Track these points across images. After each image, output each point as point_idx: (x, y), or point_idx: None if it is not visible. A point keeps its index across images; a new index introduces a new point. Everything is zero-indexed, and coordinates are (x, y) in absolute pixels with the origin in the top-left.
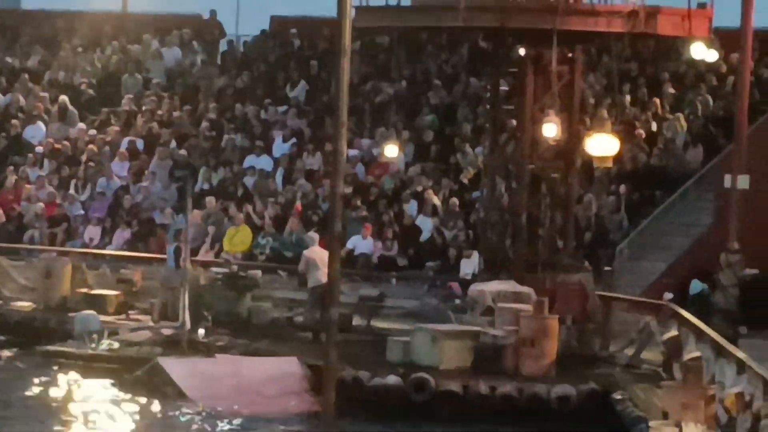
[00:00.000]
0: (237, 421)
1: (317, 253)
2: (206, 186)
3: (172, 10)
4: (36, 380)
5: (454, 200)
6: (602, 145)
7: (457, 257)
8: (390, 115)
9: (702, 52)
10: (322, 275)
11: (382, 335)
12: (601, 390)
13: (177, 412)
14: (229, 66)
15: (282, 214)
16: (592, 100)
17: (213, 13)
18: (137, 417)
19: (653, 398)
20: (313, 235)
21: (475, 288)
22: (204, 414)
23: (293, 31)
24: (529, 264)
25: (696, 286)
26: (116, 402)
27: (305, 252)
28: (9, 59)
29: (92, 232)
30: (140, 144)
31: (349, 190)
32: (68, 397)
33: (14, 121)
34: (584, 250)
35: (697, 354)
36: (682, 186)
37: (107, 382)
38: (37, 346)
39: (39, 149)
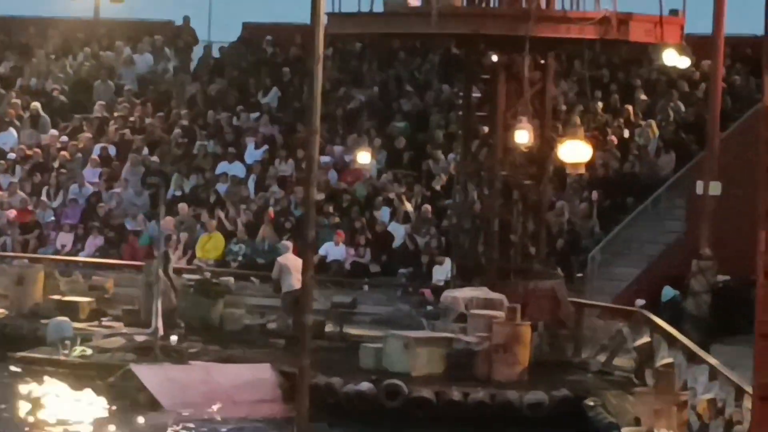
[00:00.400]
0: (209, 428)
1: (290, 260)
2: (178, 193)
3: (144, 17)
4: (8, 387)
5: (427, 207)
6: (575, 151)
7: (430, 264)
8: (362, 122)
9: (674, 58)
10: (295, 281)
11: (354, 342)
12: (574, 396)
13: (149, 419)
14: (201, 72)
15: (254, 221)
16: (564, 107)
17: (186, 19)
18: (109, 423)
19: (625, 404)
20: (287, 243)
21: (447, 294)
22: (176, 421)
23: (267, 38)
24: (502, 270)
25: (668, 292)
26: (89, 408)
27: (278, 258)
28: None
29: (64, 238)
30: (112, 150)
31: (321, 196)
32: (40, 404)
33: None
34: (556, 257)
35: (669, 360)
36: (654, 192)
37: (80, 388)
38: (9, 352)
39: (11, 156)
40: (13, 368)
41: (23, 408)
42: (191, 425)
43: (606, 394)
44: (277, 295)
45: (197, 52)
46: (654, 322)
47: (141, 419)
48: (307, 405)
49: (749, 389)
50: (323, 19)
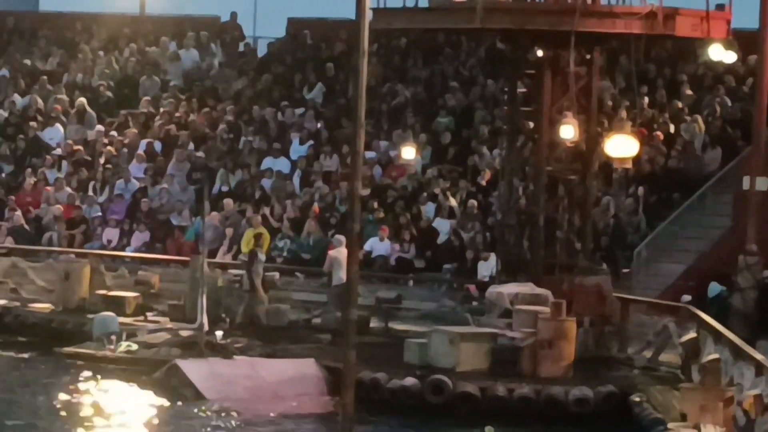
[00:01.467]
0: (254, 423)
1: (342, 254)
2: (224, 188)
3: (190, 13)
4: (54, 382)
5: (472, 202)
6: (622, 146)
7: (475, 259)
8: (407, 118)
9: (720, 53)
10: (345, 275)
11: (399, 337)
12: (619, 392)
13: (195, 414)
14: (246, 68)
15: (299, 216)
16: (609, 102)
17: (233, 15)
18: (155, 418)
19: (671, 400)
20: (340, 237)
21: (492, 290)
22: (221, 416)
23: (311, 33)
24: (547, 266)
25: (714, 288)
26: (134, 403)
27: (331, 252)
28: (27, 61)
29: (110, 233)
30: (158, 146)
31: (366, 192)
32: (87, 399)
33: (33, 123)
34: (602, 252)
35: (715, 356)
36: (700, 188)
37: (125, 383)
38: (55, 347)
39: (57, 151)
40: (59, 363)
41: (69, 402)
42: (236, 420)
43: (652, 389)
44: (327, 288)
45: (243, 47)
46: (700, 317)
47: (185, 414)
48: (352, 400)
49: None
50: (368, 15)
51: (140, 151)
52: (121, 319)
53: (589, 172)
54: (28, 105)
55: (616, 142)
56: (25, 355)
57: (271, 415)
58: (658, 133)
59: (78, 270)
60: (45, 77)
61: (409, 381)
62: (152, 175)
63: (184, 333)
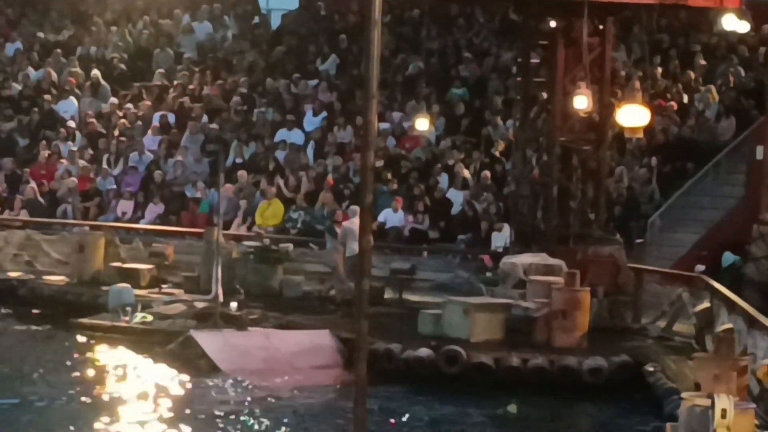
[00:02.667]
0: (269, 394)
1: (356, 225)
2: (238, 160)
3: None
4: (70, 353)
5: (486, 173)
6: (633, 115)
7: (489, 230)
8: (420, 89)
9: (733, 23)
10: (358, 246)
11: (413, 308)
12: (633, 362)
13: (209, 385)
14: (260, 40)
15: (313, 188)
16: (623, 73)
17: None
18: (170, 389)
19: (685, 370)
20: (355, 208)
21: (506, 261)
22: (236, 386)
23: (324, 4)
24: (561, 236)
25: (728, 258)
26: (149, 374)
27: (344, 223)
28: (41, 34)
29: (125, 206)
30: (172, 118)
31: (380, 163)
32: (102, 370)
33: (46, 96)
34: (615, 223)
35: (729, 326)
36: (714, 158)
37: (141, 354)
38: (70, 319)
39: (71, 124)
40: (74, 334)
41: (84, 374)
42: (250, 391)
43: (666, 359)
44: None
45: (256, 19)
46: (714, 287)
47: (200, 384)
48: (365, 370)
49: None
50: None
51: (154, 123)
52: (136, 291)
53: (603, 143)
54: (41, 78)
55: (627, 111)
56: (40, 328)
57: (286, 386)
58: (672, 103)
59: (92, 242)
60: (58, 50)
61: (423, 352)
62: (166, 147)
63: (199, 304)
